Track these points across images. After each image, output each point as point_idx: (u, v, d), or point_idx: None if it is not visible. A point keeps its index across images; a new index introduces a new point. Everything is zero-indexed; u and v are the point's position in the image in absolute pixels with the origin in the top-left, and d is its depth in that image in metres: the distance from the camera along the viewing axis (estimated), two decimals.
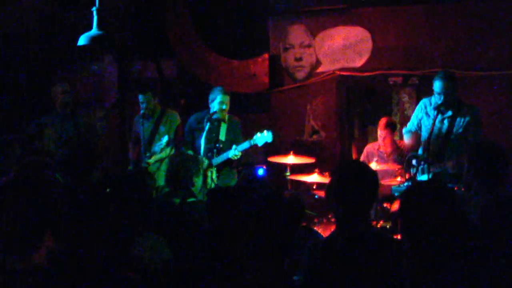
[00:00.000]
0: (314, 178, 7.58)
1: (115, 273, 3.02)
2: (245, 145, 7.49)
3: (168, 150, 7.72)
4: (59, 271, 2.56)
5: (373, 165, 7.41)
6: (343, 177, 3.74)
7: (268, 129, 7.52)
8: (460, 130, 6.52)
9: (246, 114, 8.20)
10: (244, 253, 3.72)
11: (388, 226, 6.84)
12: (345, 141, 9.87)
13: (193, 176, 5.66)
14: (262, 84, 10.04)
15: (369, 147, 8.44)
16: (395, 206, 7.25)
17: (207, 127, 7.55)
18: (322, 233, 6.61)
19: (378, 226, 6.78)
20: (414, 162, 6.38)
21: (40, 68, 10.15)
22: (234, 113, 7.99)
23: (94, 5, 7.01)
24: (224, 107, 7.67)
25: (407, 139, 7.00)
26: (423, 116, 6.78)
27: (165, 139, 7.57)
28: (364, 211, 3.69)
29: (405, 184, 6.78)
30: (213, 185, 7.13)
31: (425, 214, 3.19)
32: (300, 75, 9.92)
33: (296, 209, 4.03)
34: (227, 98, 7.71)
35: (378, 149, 8.21)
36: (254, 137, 7.48)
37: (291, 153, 7.82)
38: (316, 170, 7.64)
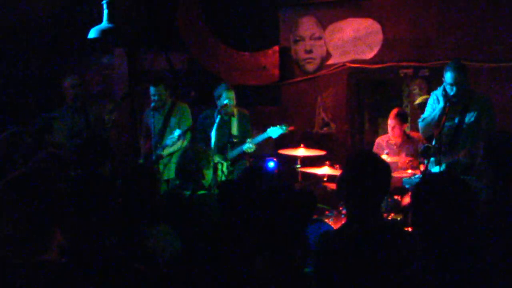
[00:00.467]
0: (324, 170, 7.59)
1: (125, 265, 3.02)
2: (260, 138, 7.52)
3: (180, 143, 7.73)
4: (70, 266, 2.56)
5: (384, 158, 7.39)
6: (355, 168, 3.72)
7: (281, 124, 7.57)
8: (472, 119, 6.48)
9: (256, 106, 8.20)
10: (254, 245, 3.73)
11: (399, 219, 6.84)
12: (356, 133, 9.85)
13: (204, 168, 5.66)
14: (272, 76, 10.03)
15: (379, 140, 8.41)
16: (407, 199, 7.24)
17: (218, 120, 7.55)
18: (333, 226, 6.61)
19: (389, 218, 6.77)
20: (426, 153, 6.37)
21: (50, 61, 10.17)
22: (244, 105, 8.00)
23: None
24: (231, 102, 7.68)
25: (422, 129, 6.92)
26: (436, 107, 6.73)
27: (177, 132, 7.57)
28: (376, 202, 3.68)
29: (417, 176, 6.78)
30: (223, 178, 7.15)
31: (437, 206, 3.18)
32: (311, 67, 9.90)
33: (308, 202, 4.02)
34: (232, 94, 7.73)
35: (388, 141, 8.18)
36: (268, 130, 7.51)
37: (302, 145, 7.83)
38: (327, 162, 7.65)
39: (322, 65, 9.82)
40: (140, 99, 9.91)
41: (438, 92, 6.75)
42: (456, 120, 6.56)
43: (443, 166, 6.39)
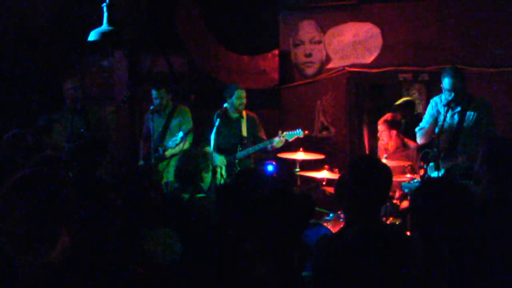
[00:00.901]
0: (323, 174, 7.59)
1: (125, 268, 3.02)
2: (279, 139, 7.57)
3: (181, 145, 7.74)
4: (72, 267, 2.57)
5: (383, 161, 7.39)
6: (358, 172, 3.73)
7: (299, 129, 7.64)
8: (471, 124, 6.51)
9: (256, 109, 8.20)
10: (253, 249, 3.73)
11: (397, 223, 6.84)
12: (355, 138, 9.86)
13: (202, 171, 5.66)
14: (272, 80, 10.05)
15: (379, 144, 8.42)
16: (405, 203, 7.25)
17: (217, 123, 7.56)
18: (331, 230, 6.61)
19: (388, 222, 6.77)
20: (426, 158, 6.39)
21: (50, 63, 10.18)
22: (244, 108, 8.01)
23: (105, 0, 7.02)
24: (242, 101, 7.77)
25: (419, 138, 6.97)
26: (434, 113, 6.77)
27: (180, 134, 7.58)
28: (377, 207, 3.68)
29: (416, 180, 6.79)
30: (222, 181, 7.16)
31: (435, 210, 3.19)
32: (310, 71, 9.91)
33: (307, 205, 4.02)
34: (243, 93, 7.81)
35: (384, 146, 8.18)
36: (285, 133, 7.56)
37: (301, 149, 7.82)
38: (326, 166, 7.64)
39: (321, 69, 9.83)
40: (140, 102, 9.92)
41: (437, 99, 6.78)
42: (455, 125, 6.58)
43: (442, 171, 6.41)
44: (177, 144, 7.66)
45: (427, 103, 7.33)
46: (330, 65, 9.78)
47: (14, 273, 2.46)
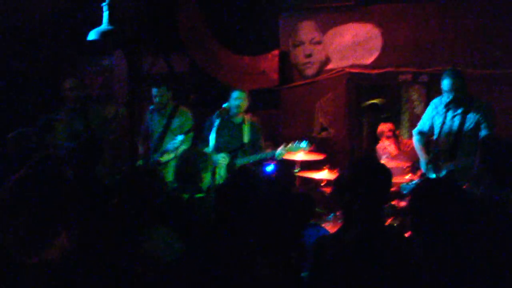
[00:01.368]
0: (323, 175, 7.59)
1: (125, 267, 3.03)
2: (281, 151, 7.51)
3: (179, 149, 7.73)
4: (71, 266, 2.57)
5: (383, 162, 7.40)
6: (358, 172, 3.74)
7: (305, 140, 7.58)
8: (472, 126, 6.52)
9: (256, 110, 8.20)
10: (252, 249, 3.73)
11: (396, 224, 6.84)
12: (354, 138, 9.86)
13: (202, 172, 5.67)
14: (272, 80, 10.05)
15: (379, 145, 8.44)
16: (403, 204, 7.25)
17: (216, 123, 7.56)
18: (330, 230, 6.61)
19: (386, 223, 6.78)
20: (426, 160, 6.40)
21: (50, 63, 10.18)
22: (246, 112, 7.97)
23: (105, 0, 7.02)
24: (238, 102, 7.68)
25: (415, 141, 6.98)
26: (434, 116, 6.77)
27: (180, 138, 7.57)
28: (377, 207, 3.69)
29: (414, 181, 6.80)
30: (221, 181, 7.15)
31: (433, 211, 3.21)
32: (310, 71, 9.91)
33: (306, 205, 4.03)
34: (242, 95, 7.73)
35: (384, 149, 8.19)
36: (289, 145, 7.51)
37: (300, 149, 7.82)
38: (325, 167, 7.65)
39: (321, 70, 9.83)
40: (140, 102, 9.91)
41: (437, 101, 6.79)
42: (456, 127, 6.58)
43: (443, 173, 6.42)
44: (175, 148, 7.65)
45: (427, 104, 7.34)
46: (329, 66, 9.78)
47: (14, 273, 2.47)
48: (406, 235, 4.34)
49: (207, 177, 5.76)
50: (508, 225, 3.94)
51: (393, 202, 7.25)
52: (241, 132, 7.77)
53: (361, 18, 9.51)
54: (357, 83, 9.75)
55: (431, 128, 6.83)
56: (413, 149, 7.93)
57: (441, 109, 6.64)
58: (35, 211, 2.47)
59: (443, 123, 6.46)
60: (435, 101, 6.85)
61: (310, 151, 7.96)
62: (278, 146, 7.65)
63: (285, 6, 9.98)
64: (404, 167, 7.58)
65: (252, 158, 7.62)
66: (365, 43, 9.47)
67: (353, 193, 3.69)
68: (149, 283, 3.19)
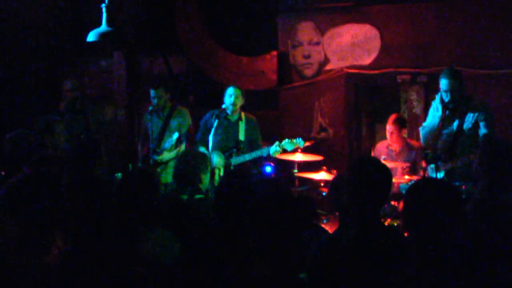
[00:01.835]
0: (321, 175, 7.59)
1: (123, 268, 3.03)
2: (275, 148, 7.47)
3: (175, 151, 7.73)
4: (71, 268, 2.57)
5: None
6: (358, 172, 3.74)
7: (299, 137, 7.55)
8: (470, 126, 6.51)
9: (254, 111, 8.20)
10: (251, 250, 3.73)
11: (396, 224, 6.84)
12: (353, 139, 9.87)
13: (201, 173, 5.67)
14: (271, 81, 10.05)
15: (379, 145, 8.43)
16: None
17: (215, 124, 7.56)
18: (329, 231, 6.61)
19: (386, 224, 6.78)
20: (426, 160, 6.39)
21: (49, 64, 10.18)
22: (243, 110, 7.99)
23: (104, 1, 7.02)
24: (232, 99, 7.64)
25: (423, 137, 6.92)
26: (435, 114, 6.74)
27: (175, 136, 7.58)
28: (376, 208, 3.69)
29: (413, 182, 6.79)
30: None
31: (425, 210, 3.22)
32: (308, 72, 9.92)
33: (306, 207, 4.03)
34: (237, 92, 7.68)
35: (387, 147, 8.18)
36: (284, 141, 7.47)
37: (299, 150, 7.82)
38: (324, 167, 7.65)
39: (320, 70, 9.84)
40: (139, 103, 9.93)
41: (436, 101, 6.78)
42: (455, 127, 6.58)
43: (442, 173, 6.42)
44: (172, 146, 7.65)
45: (425, 104, 7.35)
46: (328, 66, 9.79)
47: (13, 275, 2.47)
48: (406, 235, 4.35)
49: (206, 178, 5.76)
50: (504, 224, 3.94)
51: (393, 203, 7.26)
52: (237, 130, 7.74)
53: (360, 19, 9.51)
54: (356, 83, 9.75)
55: (436, 124, 6.79)
56: (418, 148, 7.95)
57: (440, 108, 6.61)
58: (33, 213, 2.48)
59: (440, 122, 6.44)
60: (436, 100, 6.83)
61: (308, 151, 7.96)
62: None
63: (283, 7, 9.98)
64: (404, 167, 7.59)
65: (248, 157, 7.58)
66: (364, 43, 9.48)
67: (352, 193, 3.69)
68: (148, 284, 3.20)
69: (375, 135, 9.97)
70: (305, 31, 9.88)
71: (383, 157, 7.82)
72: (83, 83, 9.89)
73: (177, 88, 9.94)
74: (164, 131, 8.04)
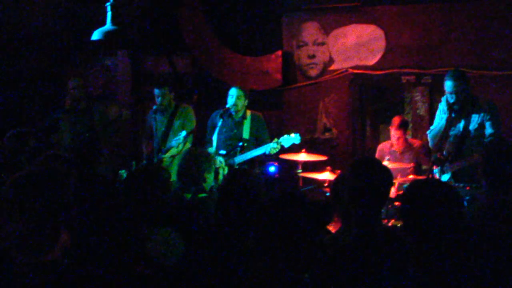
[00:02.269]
0: (325, 175, 7.58)
1: (127, 268, 3.02)
2: (273, 145, 7.43)
3: (181, 146, 7.72)
4: (74, 266, 2.57)
5: (385, 164, 7.39)
6: (359, 173, 3.73)
7: (296, 132, 7.52)
8: (476, 126, 6.48)
9: (259, 111, 8.20)
10: (253, 249, 3.72)
11: (399, 225, 6.83)
12: (357, 139, 9.86)
13: (205, 172, 5.66)
14: (275, 81, 10.04)
15: (381, 146, 8.43)
16: None
17: (219, 123, 7.56)
18: (332, 231, 6.60)
19: (389, 224, 6.77)
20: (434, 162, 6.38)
21: (54, 62, 10.19)
22: (249, 108, 7.97)
23: (108, 0, 7.03)
24: (233, 100, 7.64)
25: (431, 139, 6.89)
26: (443, 116, 6.72)
27: (183, 133, 7.57)
28: (376, 208, 3.68)
29: None
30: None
31: (423, 211, 3.22)
32: (313, 72, 9.91)
33: (321, 214, 4.02)
34: (240, 92, 7.68)
35: (390, 148, 8.18)
36: (281, 138, 7.44)
37: (303, 150, 7.81)
38: (328, 167, 7.64)
39: (324, 71, 9.83)
40: (143, 102, 9.93)
41: (442, 103, 6.75)
42: (461, 128, 6.56)
43: (449, 175, 6.40)
44: (179, 143, 7.65)
45: (430, 105, 7.32)
46: (333, 67, 9.78)
47: (16, 273, 2.46)
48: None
49: (210, 177, 5.75)
50: (506, 228, 3.93)
51: (396, 204, 7.24)
52: (241, 128, 7.73)
53: (365, 19, 9.50)
54: (361, 84, 9.75)
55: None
56: (418, 146, 7.95)
57: (446, 110, 6.59)
58: (37, 210, 2.47)
59: (446, 123, 6.43)
60: (442, 103, 6.80)
61: (312, 151, 7.96)
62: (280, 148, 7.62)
63: (288, 7, 9.97)
64: (408, 168, 7.58)
65: (249, 155, 7.56)
66: (369, 44, 9.47)
67: (352, 194, 3.69)
68: (152, 284, 3.19)
69: (379, 136, 9.96)
70: (310, 31, 9.88)
71: (387, 157, 7.82)
72: (88, 81, 9.89)
73: (181, 87, 9.94)
74: (168, 130, 8.04)
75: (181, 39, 10.35)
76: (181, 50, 10.41)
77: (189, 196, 5.43)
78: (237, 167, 7.48)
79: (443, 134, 6.47)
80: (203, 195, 5.51)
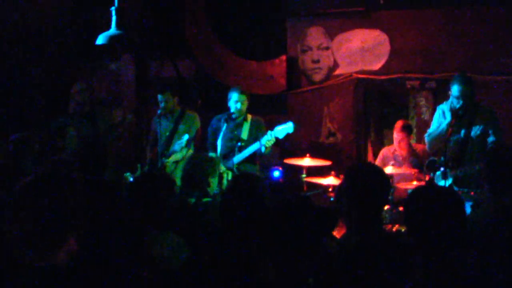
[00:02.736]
0: (330, 180, 7.59)
1: (131, 272, 3.03)
2: (267, 137, 7.38)
3: (185, 150, 7.73)
4: (79, 270, 2.57)
5: (389, 169, 7.39)
6: (355, 179, 3.75)
7: (288, 120, 7.50)
8: (478, 132, 6.47)
9: (263, 115, 8.21)
10: (258, 254, 3.72)
11: (403, 230, 6.82)
12: (361, 144, 9.85)
13: (209, 176, 5.67)
14: (279, 85, 10.04)
15: (384, 151, 8.42)
16: None
17: (224, 128, 7.57)
18: (337, 236, 6.59)
19: (394, 229, 6.76)
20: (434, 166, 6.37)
21: (58, 67, 10.21)
22: (251, 113, 7.97)
23: (113, 4, 7.04)
24: (239, 106, 7.66)
25: (429, 144, 6.90)
26: (442, 120, 6.71)
27: (186, 137, 7.58)
28: (375, 214, 3.69)
29: None
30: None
31: (426, 216, 3.23)
32: (317, 77, 9.90)
33: (327, 220, 4.02)
34: (243, 97, 7.70)
35: (393, 153, 8.18)
36: (275, 129, 7.41)
37: (307, 155, 7.82)
38: (332, 172, 7.65)
39: (329, 75, 9.82)
40: (147, 107, 9.94)
41: (444, 106, 6.73)
42: (462, 134, 6.54)
43: (450, 180, 6.39)
44: (182, 148, 7.66)
45: (434, 110, 7.31)
46: (337, 71, 9.77)
47: (21, 276, 2.47)
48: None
49: (214, 182, 5.76)
50: (508, 234, 3.93)
51: (400, 208, 7.24)
52: (240, 129, 7.73)
53: (369, 24, 9.50)
54: (365, 88, 9.75)
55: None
56: (421, 150, 7.95)
57: (448, 114, 6.58)
58: (44, 214, 2.48)
59: (450, 129, 6.40)
60: (441, 106, 6.80)
61: (316, 156, 7.96)
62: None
63: (293, 11, 9.97)
64: (412, 173, 7.57)
65: (247, 152, 7.54)
66: (373, 49, 9.46)
67: (351, 199, 3.70)
68: None
69: (384, 140, 9.96)
70: (315, 35, 9.88)
71: (391, 163, 7.82)
72: (92, 86, 9.91)
73: (185, 92, 9.95)
74: (173, 134, 8.05)
75: (185, 43, 10.36)
76: (185, 54, 10.43)
77: (193, 200, 5.43)
78: (236, 166, 7.48)
79: (445, 139, 6.44)
80: (207, 199, 5.52)
